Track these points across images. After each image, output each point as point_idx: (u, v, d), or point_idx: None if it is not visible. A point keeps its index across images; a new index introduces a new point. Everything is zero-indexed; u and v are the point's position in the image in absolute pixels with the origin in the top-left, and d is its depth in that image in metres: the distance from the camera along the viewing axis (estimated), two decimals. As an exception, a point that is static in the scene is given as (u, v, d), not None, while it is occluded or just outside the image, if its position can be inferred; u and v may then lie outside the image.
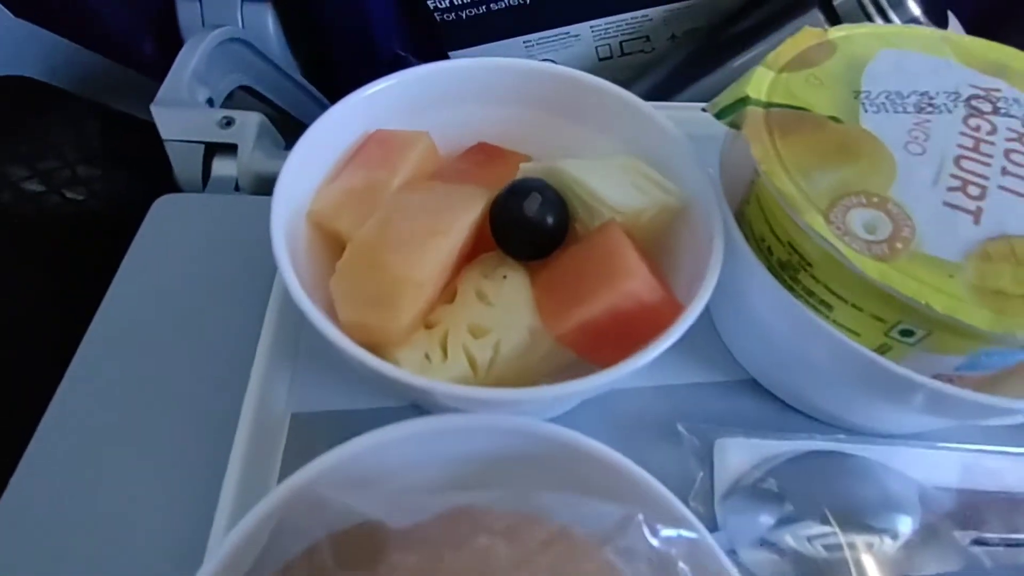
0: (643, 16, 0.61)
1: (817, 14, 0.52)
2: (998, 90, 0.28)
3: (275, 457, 0.29)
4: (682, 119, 0.32)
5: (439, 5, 0.60)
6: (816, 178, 0.25)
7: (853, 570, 0.26)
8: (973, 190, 0.24)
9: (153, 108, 0.42)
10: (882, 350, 0.25)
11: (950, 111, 0.27)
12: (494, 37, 0.63)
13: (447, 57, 0.64)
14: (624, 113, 0.33)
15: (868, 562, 0.26)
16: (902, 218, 0.23)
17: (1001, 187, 0.24)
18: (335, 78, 0.68)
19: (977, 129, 0.26)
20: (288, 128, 0.48)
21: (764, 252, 0.28)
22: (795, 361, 0.29)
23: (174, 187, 0.43)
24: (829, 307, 0.26)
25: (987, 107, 0.27)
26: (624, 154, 0.32)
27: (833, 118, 0.26)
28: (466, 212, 0.27)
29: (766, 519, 0.28)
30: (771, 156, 0.25)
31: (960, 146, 0.25)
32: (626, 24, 0.62)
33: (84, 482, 0.29)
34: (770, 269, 0.27)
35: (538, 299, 0.27)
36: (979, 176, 0.24)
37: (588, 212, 0.28)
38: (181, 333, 0.34)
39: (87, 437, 0.30)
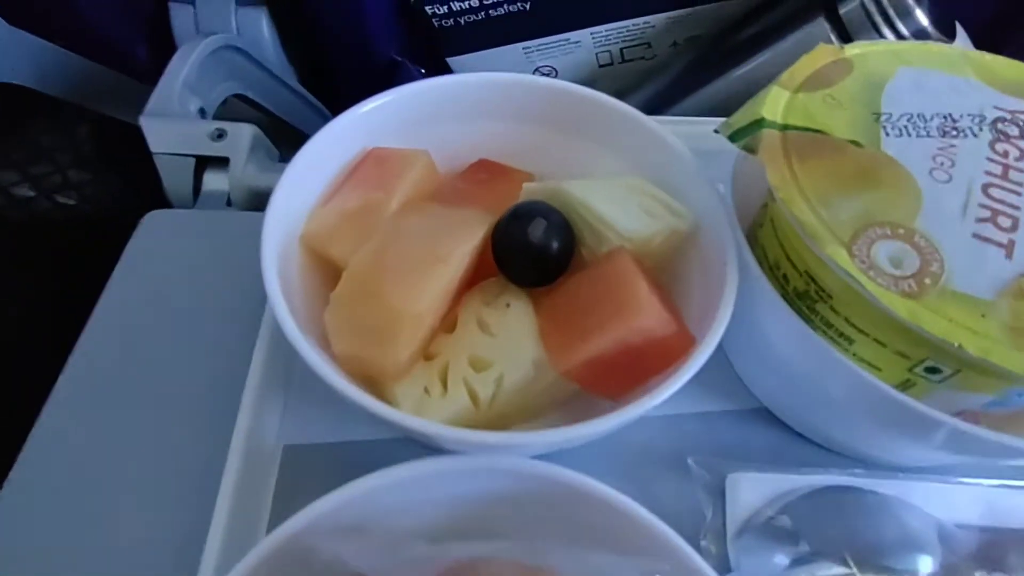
0: (644, 23, 0.60)
1: (823, 23, 0.50)
2: (1024, 112, 0.26)
3: (266, 492, 0.28)
4: (691, 134, 0.31)
5: (438, 11, 0.58)
6: (837, 207, 0.23)
7: (872, 615, 0.25)
8: (1004, 221, 0.23)
9: (142, 120, 0.40)
10: (905, 386, 0.24)
11: (975, 135, 0.25)
12: (493, 43, 0.62)
13: (445, 62, 0.63)
14: (630, 130, 0.32)
15: (888, 607, 0.25)
16: (930, 251, 0.22)
17: (1033, 218, 0.23)
18: (332, 84, 0.67)
19: (1005, 155, 0.25)
20: (284, 135, 0.46)
21: (779, 280, 0.27)
22: (811, 393, 0.28)
23: (165, 193, 0.41)
24: (850, 340, 0.24)
25: (1014, 131, 0.26)
26: (631, 173, 0.31)
27: (853, 142, 0.25)
28: (467, 238, 0.26)
29: (781, 559, 0.27)
30: (789, 183, 0.24)
31: (988, 173, 0.24)
32: (627, 31, 0.61)
33: (64, 520, 0.28)
34: (786, 298, 0.26)
35: (543, 329, 0.26)
36: (1009, 206, 0.23)
37: (595, 237, 0.27)
38: (169, 358, 0.32)
39: (67, 473, 0.29)
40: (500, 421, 0.26)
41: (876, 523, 0.28)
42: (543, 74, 0.65)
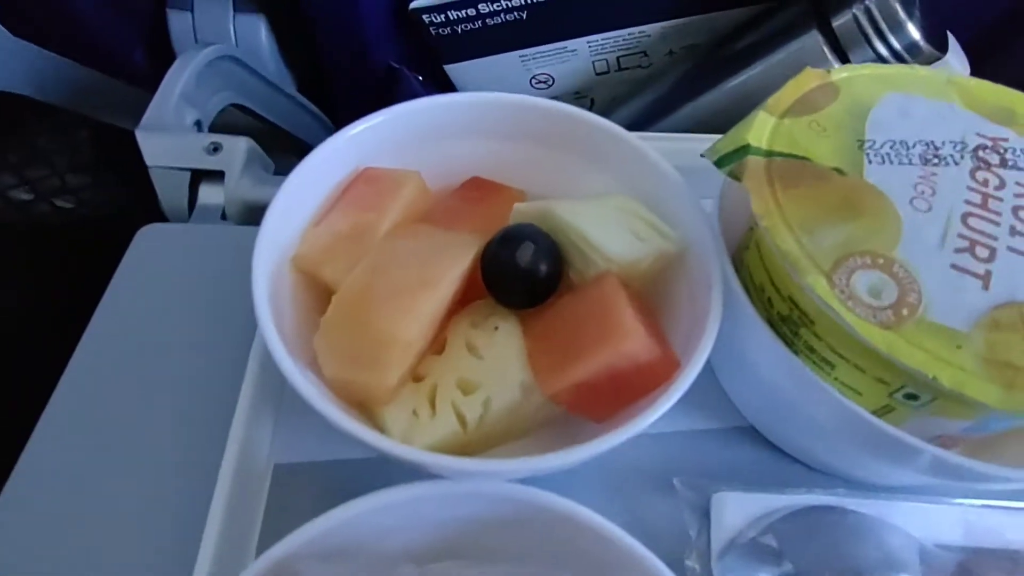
0: (640, 32, 0.60)
1: (816, 35, 0.51)
2: (1006, 139, 0.27)
3: (257, 511, 0.28)
4: (679, 151, 0.31)
5: (434, 20, 0.59)
6: (819, 235, 0.24)
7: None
8: (981, 251, 0.23)
9: (138, 134, 0.41)
10: (884, 411, 0.24)
11: (956, 163, 0.26)
12: (490, 51, 0.62)
13: (442, 70, 0.64)
14: (619, 150, 0.32)
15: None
16: (908, 281, 0.22)
17: (1010, 248, 0.23)
18: (330, 90, 0.67)
19: (985, 183, 0.25)
20: (282, 144, 0.47)
21: (764, 303, 0.27)
22: (794, 415, 0.28)
23: (161, 206, 0.42)
24: (831, 365, 0.25)
25: (995, 159, 0.26)
26: (621, 191, 0.32)
27: (837, 169, 0.25)
28: (456, 262, 0.26)
29: (764, 578, 0.27)
30: (772, 211, 0.24)
31: (968, 202, 0.24)
32: (623, 40, 0.61)
33: (55, 539, 0.28)
34: (770, 322, 0.26)
35: (530, 352, 0.26)
36: (987, 236, 0.23)
37: (583, 260, 0.27)
38: (162, 374, 0.33)
39: (57, 492, 0.29)
40: (487, 442, 0.26)
41: (858, 543, 0.28)
42: (540, 82, 0.65)
